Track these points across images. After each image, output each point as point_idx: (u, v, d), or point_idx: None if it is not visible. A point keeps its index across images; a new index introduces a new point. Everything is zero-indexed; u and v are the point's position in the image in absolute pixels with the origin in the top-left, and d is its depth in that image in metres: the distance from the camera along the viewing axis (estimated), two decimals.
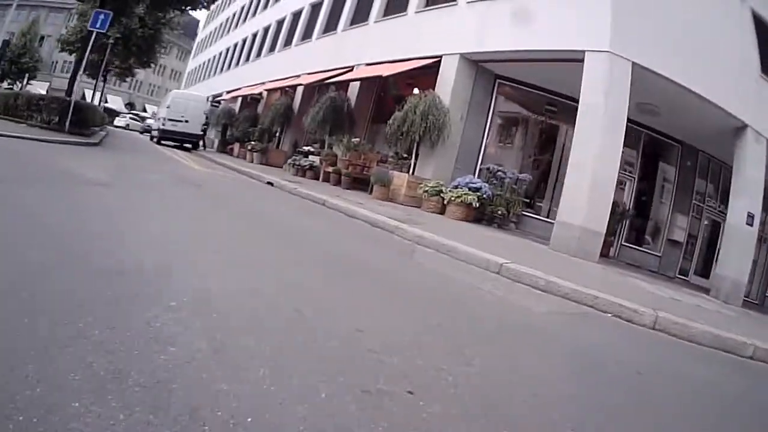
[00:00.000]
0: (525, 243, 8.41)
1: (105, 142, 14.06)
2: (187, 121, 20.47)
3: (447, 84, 11.45)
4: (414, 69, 12.25)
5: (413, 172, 11.14)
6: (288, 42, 22.38)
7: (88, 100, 44.75)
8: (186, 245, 3.64)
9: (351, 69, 15.34)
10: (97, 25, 12.13)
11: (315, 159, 13.75)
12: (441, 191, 9.67)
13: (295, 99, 18.87)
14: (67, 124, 11.93)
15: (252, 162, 16.50)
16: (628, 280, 7.13)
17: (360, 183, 11.79)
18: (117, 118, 43.80)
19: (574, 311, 4.08)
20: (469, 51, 11.40)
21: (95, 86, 31.93)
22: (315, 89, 18.03)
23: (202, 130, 21.59)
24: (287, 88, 20.28)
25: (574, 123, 9.01)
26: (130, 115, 43.78)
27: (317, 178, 13.00)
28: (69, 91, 13.31)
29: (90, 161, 8.21)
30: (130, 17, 24.30)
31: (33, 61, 47.17)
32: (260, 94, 23.00)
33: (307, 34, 20.56)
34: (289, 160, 14.46)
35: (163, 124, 20.88)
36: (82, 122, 12.86)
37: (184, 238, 3.89)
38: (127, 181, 6.98)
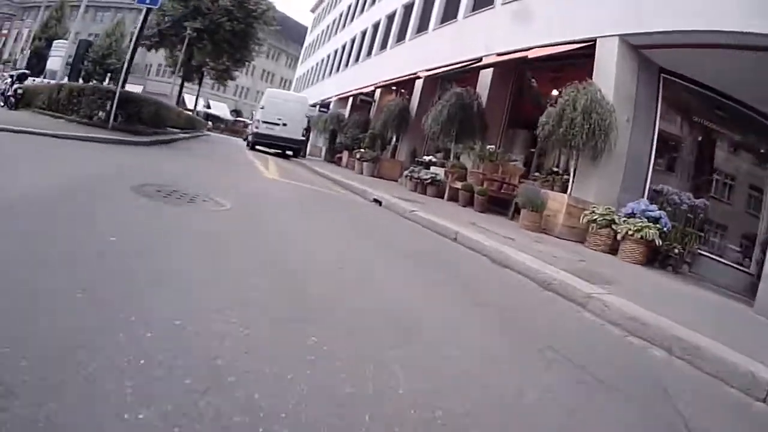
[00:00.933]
0: (723, 303, 6.03)
1: (175, 145, 13.06)
2: (285, 125, 18.98)
3: (606, 74, 9.19)
4: (561, 55, 10.22)
5: (570, 192, 8.90)
6: (401, 37, 21.08)
7: (188, 104, 46.53)
8: None
9: (479, 60, 13.57)
10: (147, 0, 11.20)
11: (438, 171, 11.88)
12: (613, 221, 7.44)
13: (413, 100, 17.26)
14: (111, 119, 10.77)
15: (362, 173, 15.24)
16: None
17: (498, 204, 9.80)
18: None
19: None
20: (630, 32, 9.12)
21: (181, 86, 31.71)
22: (436, 87, 16.50)
23: (303, 135, 20.13)
24: (402, 89, 19.02)
25: (745, 135, 6.50)
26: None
27: (441, 196, 11.12)
28: (123, 84, 12.31)
29: (67, 163, 6.00)
30: None
31: (120, 63, 48.98)
32: (371, 94, 21.95)
33: (422, 26, 19.08)
34: (406, 172, 12.79)
35: (257, 128, 19.60)
36: (133, 118, 11.67)
37: None
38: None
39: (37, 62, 34.03)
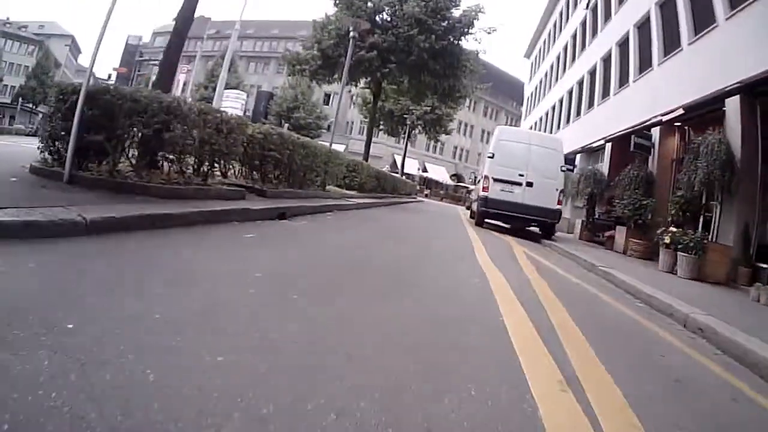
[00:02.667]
0: None
1: (292, 221, 7.54)
2: (530, 184, 13.42)
3: None
4: None
5: None
6: (671, 47, 15.58)
7: (398, 165, 42.54)
8: None
9: None
10: None
11: None
12: None
13: (730, 136, 10.78)
14: (69, 158, 5.09)
15: (673, 272, 9.94)
16: None
17: None
18: None
19: None
20: None
21: (369, 133, 27.34)
22: (755, 111, 10.65)
23: (558, 203, 13.97)
24: (687, 125, 13.29)
25: None
26: None
27: None
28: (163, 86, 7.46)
29: None
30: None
31: (312, 118, 46.47)
32: (647, 135, 15.85)
33: (702, 22, 13.49)
34: None
35: (485, 189, 13.79)
36: (155, 152, 6.03)
37: None
38: None
39: None
